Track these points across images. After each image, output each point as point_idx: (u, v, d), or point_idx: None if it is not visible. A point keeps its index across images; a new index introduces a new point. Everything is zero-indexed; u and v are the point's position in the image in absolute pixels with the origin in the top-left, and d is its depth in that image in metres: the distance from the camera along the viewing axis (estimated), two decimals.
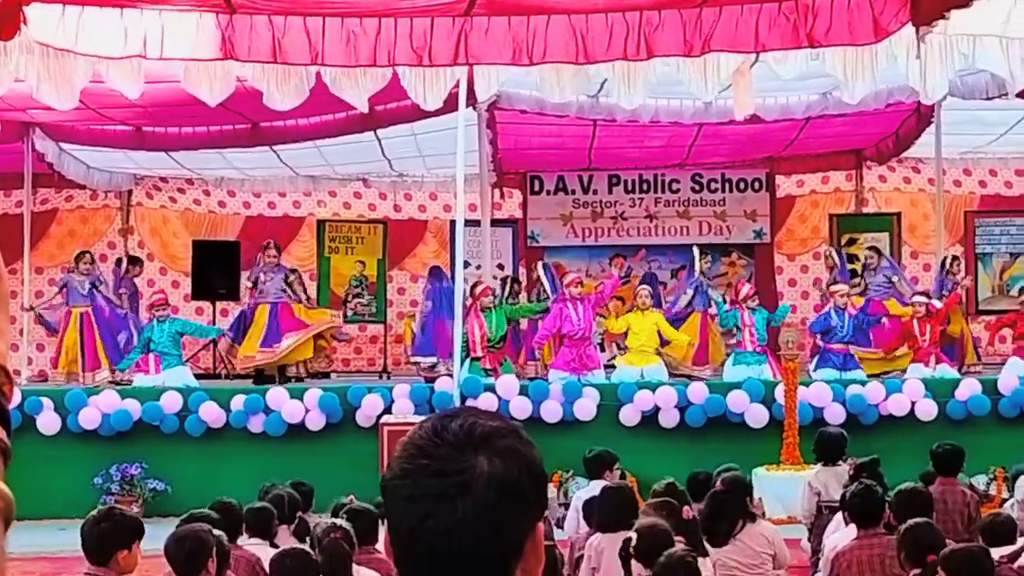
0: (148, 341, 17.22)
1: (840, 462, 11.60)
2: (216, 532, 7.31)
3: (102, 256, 23.25)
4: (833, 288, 17.81)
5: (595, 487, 10.94)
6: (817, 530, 10.88)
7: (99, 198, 23.43)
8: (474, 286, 17.48)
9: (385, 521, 2.12)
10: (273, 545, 8.40)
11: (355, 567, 7.43)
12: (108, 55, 13.52)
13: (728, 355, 17.80)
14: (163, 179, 23.41)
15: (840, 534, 9.09)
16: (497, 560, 2.05)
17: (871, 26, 13.00)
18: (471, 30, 13.47)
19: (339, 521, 7.83)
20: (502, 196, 23.19)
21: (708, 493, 8.74)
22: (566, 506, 13.19)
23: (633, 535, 7.24)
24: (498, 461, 2.04)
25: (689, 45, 13.38)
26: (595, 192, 22.87)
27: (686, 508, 8.94)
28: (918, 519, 7.75)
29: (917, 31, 13.02)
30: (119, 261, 20.76)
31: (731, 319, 17.49)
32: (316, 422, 16.13)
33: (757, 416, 16.01)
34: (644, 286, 18.04)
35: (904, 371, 17.40)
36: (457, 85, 15.26)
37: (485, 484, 2.02)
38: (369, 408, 16.06)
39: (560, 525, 10.98)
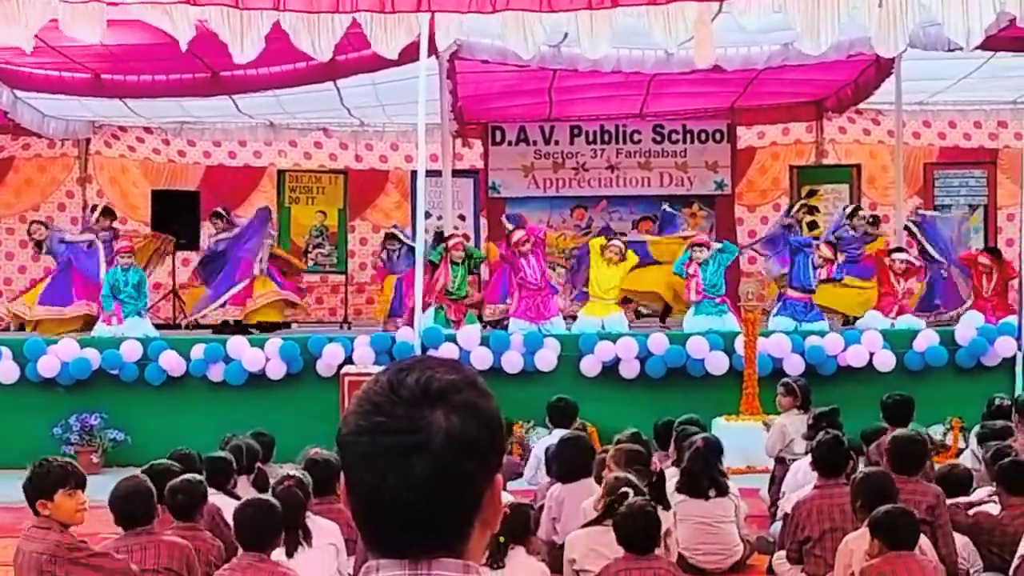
0: (113, 288, 17.11)
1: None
2: (196, 477, 7.42)
3: (60, 205, 23.18)
4: (821, 251, 17.63)
5: (558, 435, 10.98)
6: (778, 481, 10.97)
7: (57, 147, 23.24)
8: (448, 238, 17.53)
9: (342, 475, 2.12)
10: (232, 495, 8.41)
11: (312, 516, 7.46)
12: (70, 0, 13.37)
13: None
14: (122, 128, 23.24)
15: (804, 482, 9.21)
16: (457, 514, 2.06)
17: None
18: None
19: (293, 471, 7.86)
20: (464, 146, 23.15)
21: (690, 451, 8.78)
22: (525, 458, 13.25)
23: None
24: (455, 417, 2.05)
25: None
26: (556, 143, 22.83)
27: (654, 460, 9.02)
28: (872, 468, 7.84)
29: None
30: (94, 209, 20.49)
31: (680, 267, 17.53)
32: (277, 371, 16.09)
33: (717, 367, 16.07)
34: (616, 241, 17.90)
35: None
36: (418, 34, 15.17)
37: (443, 441, 2.03)
38: (330, 358, 16.04)
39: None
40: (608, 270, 17.38)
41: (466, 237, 21.19)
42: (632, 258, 17.79)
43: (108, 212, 19.88)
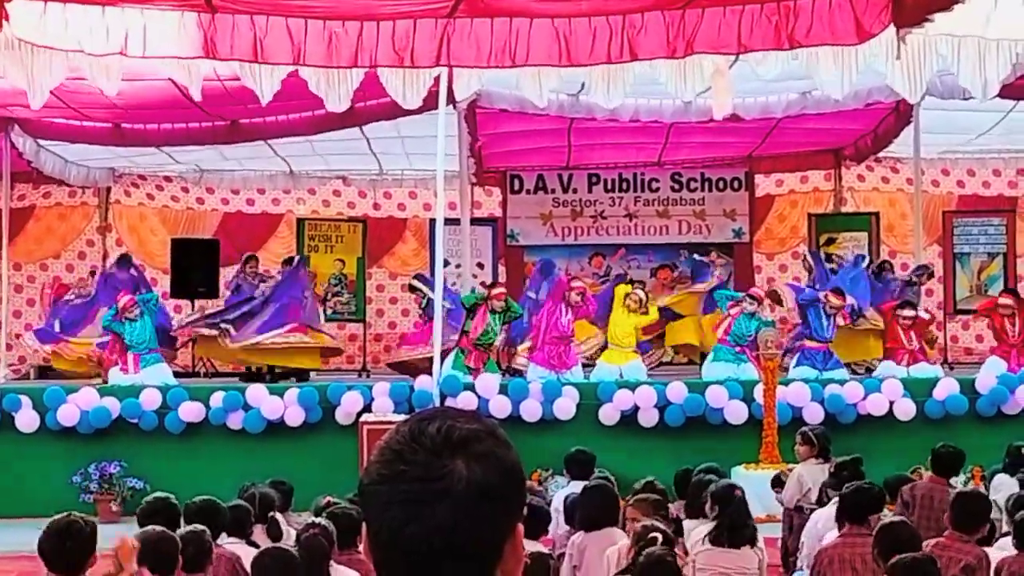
0: (126, 342, 17.13)
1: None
2: (199, 528, 7.36)
3: (80, 254, 23.29)
4: (833, 300, 17.60)
5: (575, 487, 10.95)
6: (796, 530, 10.92)
7: (77, 195, 23.37)
8: (491, 287, 17.75)
9: (364, 524, 2.12)
10: (251, 543, 8.40)
11: (334, 566, 7.44)
12: (90, 52, 13.49)
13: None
14: (142, 176, 23.38)
15: (824, 531, 9.16)
16: (477, 562, 2.06)
17: (853, 27, 13.00)
18: (453, 32, 13.46)
19: (318, 519, 7.84)
20: (483, 193, 23.19)
21: (729, 503, 8.70)
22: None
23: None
24: (476, 465, 2.05)
25: (672, 47, 13.38)
26: (575, 191, 22.87)
27: (672, 508, 8.99)
28: (894, 517, 7.79)
29: (898, 32, 13.05)
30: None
31: (723, 299, 17.61)
32: (295, 419, 16.10)
33: (736, 415, 16.04)
34: (638, 290, 17.97)
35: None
36: (437, 83, 15.25)
37: (464, 489, 2.03)
38: (349, 406, 16.05)
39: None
40: (626, 318, 17.39)
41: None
42: (654, 314, 17.84)
43: (125, 259, 19.99)
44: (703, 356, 19.33)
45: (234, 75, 14.62)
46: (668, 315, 19.40)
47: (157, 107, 16.71)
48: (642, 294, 17.83)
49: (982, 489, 14.41)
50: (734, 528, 8.48)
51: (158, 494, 8.69)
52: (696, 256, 21.04)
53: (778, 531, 11.79)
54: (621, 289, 17.90)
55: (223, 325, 18.68)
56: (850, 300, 17.89)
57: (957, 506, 8.10)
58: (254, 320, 18.58)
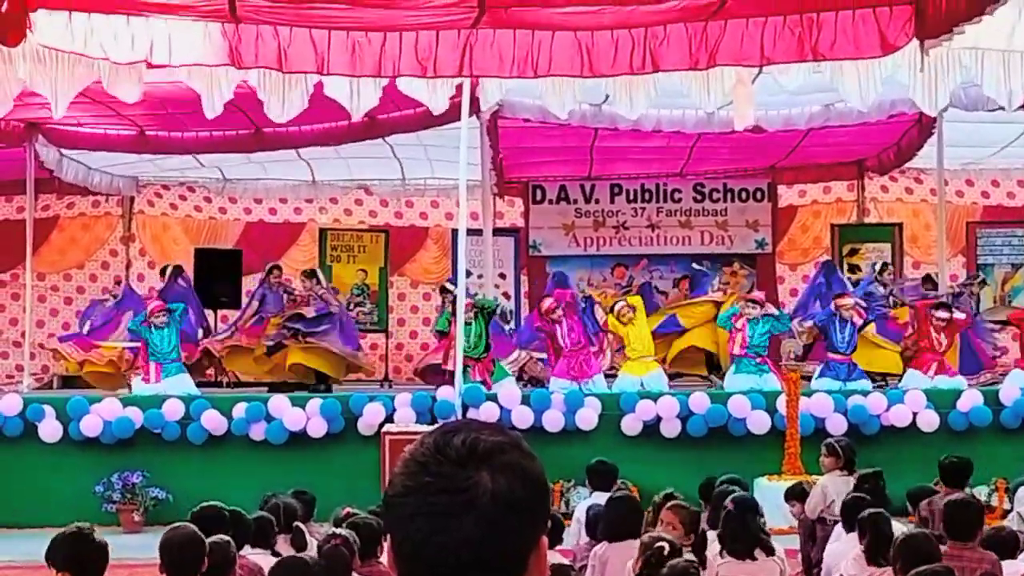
0: (149, 350, 17.13)
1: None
2: (224, 538, 7.35)
3: (104, 263, 23.36)
4: (840, 301, 17.59)
5: (598, 498, 10.94)
6: (820, 541, 10.89)
7: (101, 205, 23.45)
8: (452, 303, 17.54)
9: (388, 536, 2.12)
10: (275, 554, 8.40)
11: None
12: (115, 60, 13.56)
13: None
14: (165, 186, 23.46)
15: (840, 545, 9.11)
16: (503, 575, 2.05)
17: (877, 40, 12.98)
18: (476, 42, 13.48)
19: (340, 530, 7.84)
20: (505, 204, 23.20)
21: (722, 514, 8.69)
22: (567, 516, 13.19)
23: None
24: (501, 477, 2.05)
25: (695, 59, 13.37)
26: (597, 201, 22.87)
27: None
28: (915, 530, 7.74)
29: (922, 45, 13.01)
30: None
31: (726, 320, 17.46)
32: (318, 430, 16.11)
33: (759, 426, 15.99)
34: (617, 303, 17.83)
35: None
36: (459, 93, 15.28)
37: (489, 500, 2.03)
38: (371, 416, 16.05)
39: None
40: (635, 329, 17.30)
41: (505, 295, 21.32)
42: (637, 300, 17.77)
43: (178, 270, 20.01)
44: (710, 363, 19.19)
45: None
46: (672, 326, 19.25)
47: (185, 109, 16.69)
48: (622, 302, 17.68)
49: (1007, 502, 14.44)
50: (729, 539, 8.47)
51: (213, 502, 8.67)
52: (695, 265, 20.87)
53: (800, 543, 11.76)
54: (610, 322, 17.66)
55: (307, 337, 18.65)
56: (851, 300, 17.88)
57: (949, 517, 8.05)
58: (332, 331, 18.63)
